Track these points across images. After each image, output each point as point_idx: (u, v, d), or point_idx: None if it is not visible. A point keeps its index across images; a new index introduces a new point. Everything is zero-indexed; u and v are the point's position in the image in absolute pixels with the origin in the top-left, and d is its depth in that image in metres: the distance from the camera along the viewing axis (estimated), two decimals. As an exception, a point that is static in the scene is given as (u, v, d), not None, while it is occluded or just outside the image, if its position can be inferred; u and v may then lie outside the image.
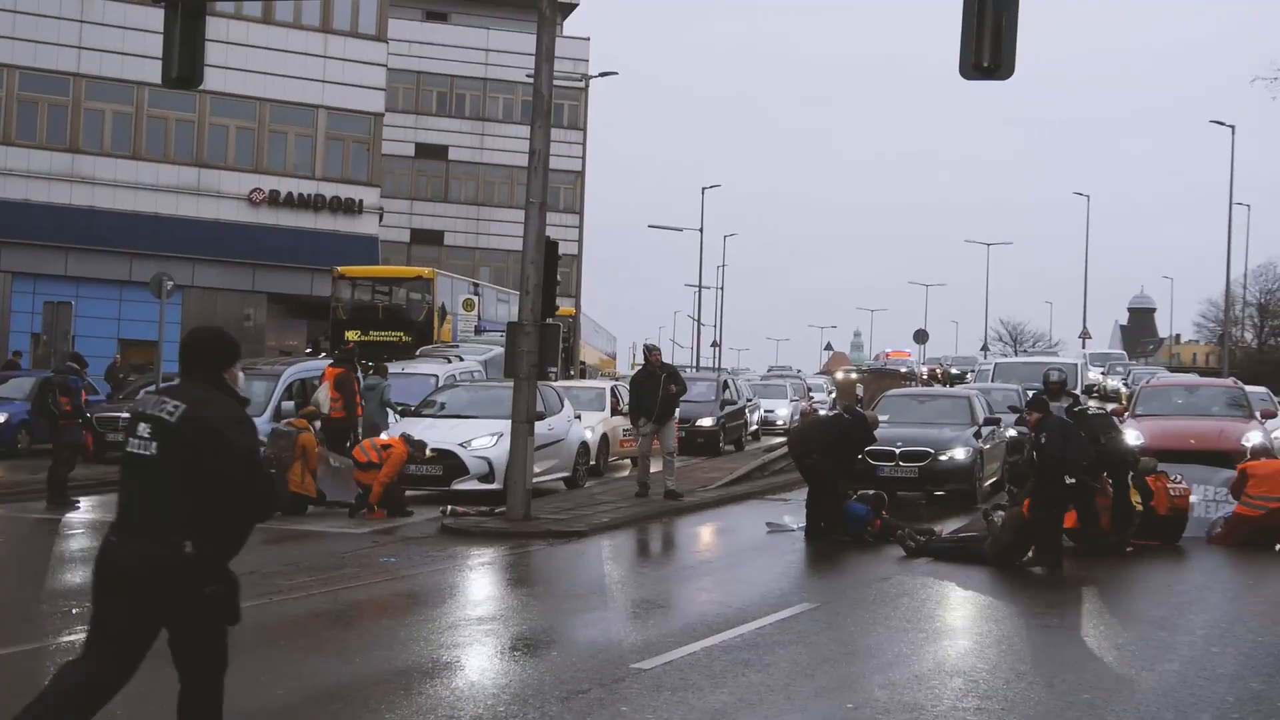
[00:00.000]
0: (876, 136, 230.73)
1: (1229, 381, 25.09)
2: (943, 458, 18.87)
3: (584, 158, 57.84)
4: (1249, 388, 29.86)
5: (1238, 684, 9.05)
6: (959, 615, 11.80)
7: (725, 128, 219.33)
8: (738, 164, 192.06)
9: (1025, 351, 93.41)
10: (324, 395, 19.64)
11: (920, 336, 63.93)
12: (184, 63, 15.50)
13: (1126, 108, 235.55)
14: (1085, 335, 79.31)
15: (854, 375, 50.28)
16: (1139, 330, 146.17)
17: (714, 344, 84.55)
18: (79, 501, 18.58)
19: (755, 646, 9.85)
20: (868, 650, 10.08)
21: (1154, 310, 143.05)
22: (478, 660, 9.57)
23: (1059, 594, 13.02)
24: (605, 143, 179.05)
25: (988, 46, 15.99)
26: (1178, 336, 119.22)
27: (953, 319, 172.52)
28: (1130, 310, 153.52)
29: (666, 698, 8.30)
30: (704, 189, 67.42)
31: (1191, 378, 34.31)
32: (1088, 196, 74.15)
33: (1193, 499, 15.91)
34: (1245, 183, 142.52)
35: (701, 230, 67.36)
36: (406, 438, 18.12)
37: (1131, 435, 18.13)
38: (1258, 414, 20.52)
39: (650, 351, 20.65)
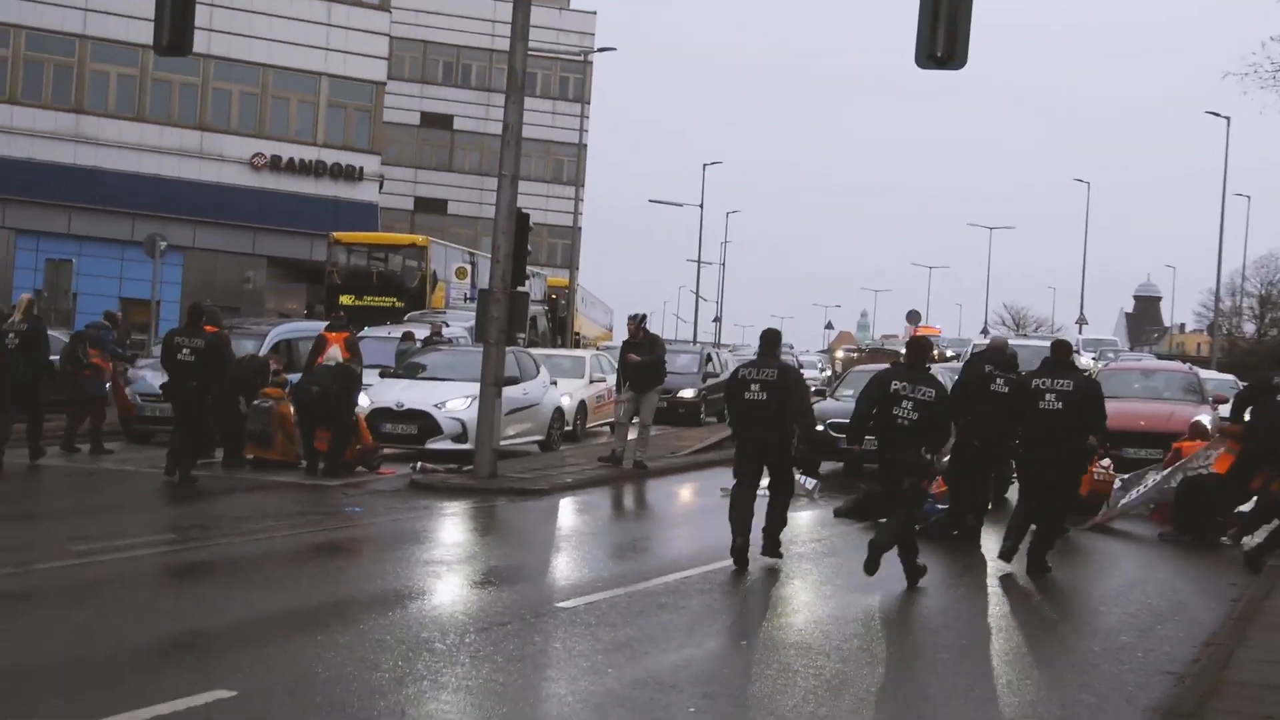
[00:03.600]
0: (885, 117, 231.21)
1: (1184, 367, 25.71)
2: None
3: (585, 131, 58.35)
4: (1213, 374, 30.61)
5: (1109, 637, 9.81)
6: (878, 574, 12.51)
7: (737, 103, 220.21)
8: (747, 140, 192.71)
9: (1023, 335, 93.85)
10: (337, 354, 20.05)
11: (912, 317, 64.61)
12: (174, 31, 16.15)
13: (1138, 95, 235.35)
14: (1081, 320, 79.93)
15: (854, 354, 50.88)
16: (1144, 318, 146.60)
17: (715, 319, 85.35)
18: (112, 449, 19.27)
19: (675, 592, 10.61)
20: (779, 600, 10.86)
21: (1159, 299, 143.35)
22: (415, 595, 10.34)
23: (973, 559, 13.68)
24: (613, 116, 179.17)
25: (942, 38, 16.69)
26: (1182, 325, 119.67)
27: (956, 302, 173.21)
28: (1136, 298, 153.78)
29: (578, 631, 9.08)
30: (705, 165, 68.15)
31: (1150, 363, 34.85)
32: (1088, 183, 74.73)
33: (1116, 484, 16.48)
34: (1251, 174, 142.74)
35: (702, 206, 68.09)
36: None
37: None
38: (1210, 400, 21.11)
39: (631, 320, 21.18)
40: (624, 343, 21.50)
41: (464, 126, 64.70)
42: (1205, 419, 18.99)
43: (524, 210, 18.49)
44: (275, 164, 41.33)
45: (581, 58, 57.37)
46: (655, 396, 20.64)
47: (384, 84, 44.19)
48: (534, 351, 24.77)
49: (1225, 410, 21.95)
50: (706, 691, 7.68)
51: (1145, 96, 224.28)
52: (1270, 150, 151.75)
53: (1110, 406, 19.60)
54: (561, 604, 9.95)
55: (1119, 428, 18.49)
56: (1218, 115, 55.45)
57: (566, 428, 23.39)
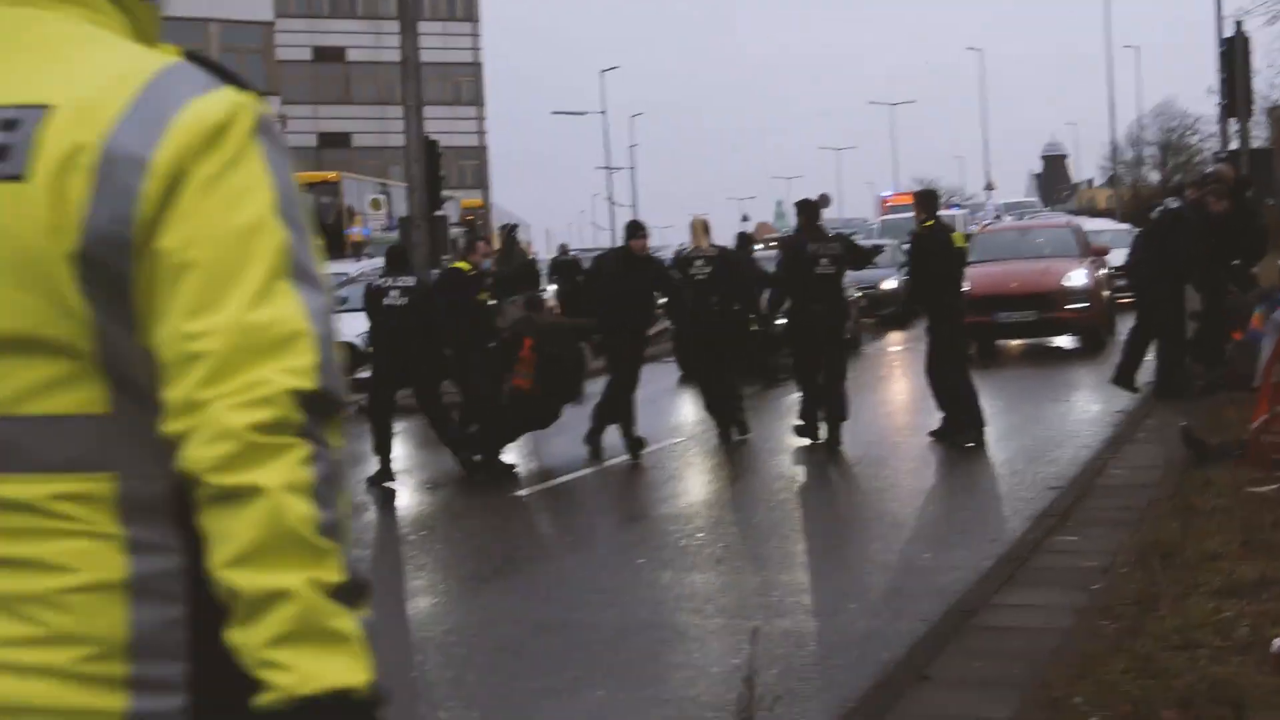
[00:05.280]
0: (775, 8, 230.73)
1: (1064, 221, 25.94)
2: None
3: (478, 49, 58.62)
4: (1101, 224, 31.36)
5: (1007, 465, 11.04)
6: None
7: (627, 12, 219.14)
8: (642, 48, 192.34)
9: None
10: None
11: (823, 200, 65.59)
12: None
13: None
14: (990, 186, 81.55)
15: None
16: (1053, 177, 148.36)
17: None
18: None
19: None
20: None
21: (1065, 157, 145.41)
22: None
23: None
24: (507, 31, 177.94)
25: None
26: (1090, 181, 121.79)
27: (866, 180, 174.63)
28: (1044, 159, 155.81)
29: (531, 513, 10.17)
30: (603, 71, 68.51)
31: (1028, 221, 34.21)
32: (981, 51, 76.00)
33: None
34: (1139, 24, 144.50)
35: (604, 113, 68.50)
36: None
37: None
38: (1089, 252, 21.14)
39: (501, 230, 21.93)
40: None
41: (358, 57, 64.56)
42: (1079, 273, 19.17)
43: (430, 137, 19.30)
44: (174, 116, 41.46)
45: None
46: (512, 307, 20.48)
47: (272, 23, 44.32)
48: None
49: (1114, 258, 22.98)
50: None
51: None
52: (1153, 1, 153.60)
53: (982, 270, 19.79)
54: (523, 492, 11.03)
55: (990, 292, 18.34)
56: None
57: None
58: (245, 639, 1.44)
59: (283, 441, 1.45)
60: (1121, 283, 18.80)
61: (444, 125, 61.98)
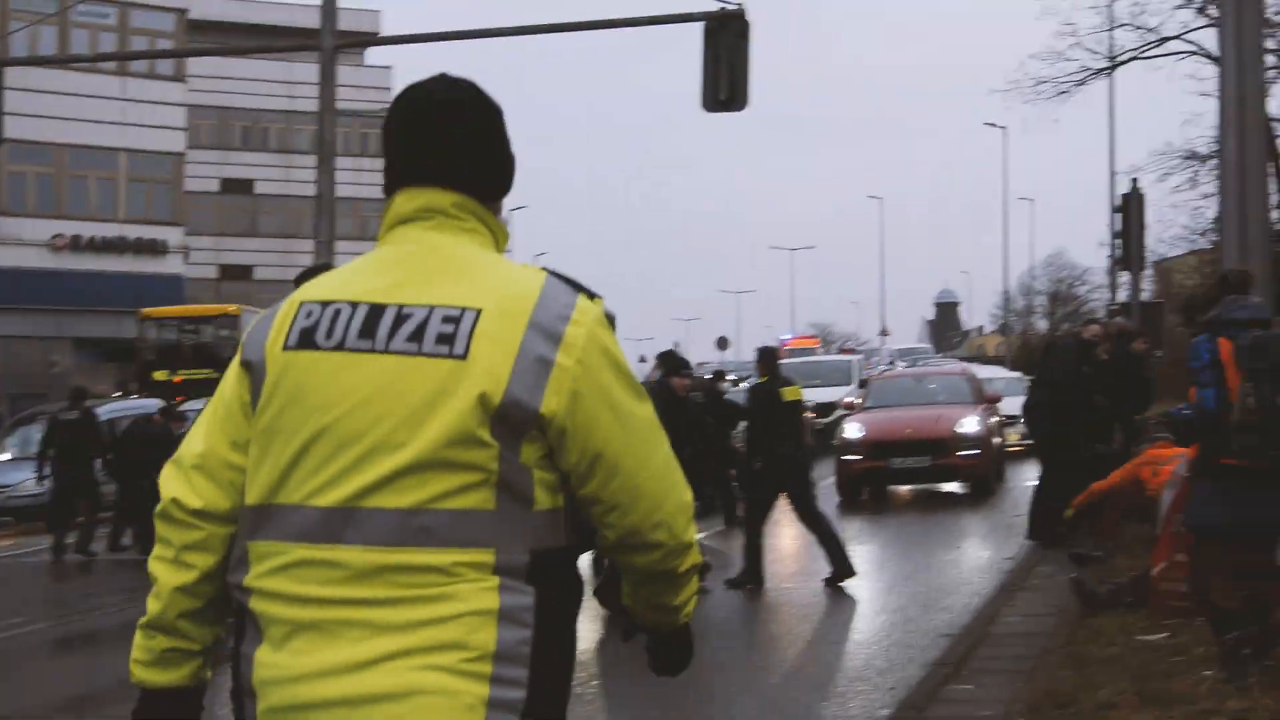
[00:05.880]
0: (682, 155, 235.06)
1: (959, 368, 26.55)
2: None
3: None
4: (993, 371, 32.15)
5: (899, 612, 11.13)
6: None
7: (547, 150, 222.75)
8: (546, 189, 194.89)
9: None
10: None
11: (722, 343, 66.51)
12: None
13: (915, 112, 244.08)
14: (884, 332, 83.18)
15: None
16: (945, 324, 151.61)
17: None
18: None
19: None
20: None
21: (958, 304, 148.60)
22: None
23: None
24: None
25: (724, 84, 18.21)
26: (980, 328, 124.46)
27: (765, 324, 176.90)
28: (936, 305, 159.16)
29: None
30: (513, 210, 69.18)
31: (924, 368, 35.07)
32: (881, 199, 78.15)
33: None
34: (1033, 179, 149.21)
35: (510, 252, 68.88)
36: None
37: (853, 428, 19.63)
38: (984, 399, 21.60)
39: None
40: None
41: (266, 190, 64.64)
42: (971, 420, 19.52)
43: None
44: (76, 243, 41.10)
45: (381, 115, 57.82)
46: None
47: (183, 155, 44.32)
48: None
49: (1008, 406, 23.50)
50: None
51: (929, 117, 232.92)
52: (1046, 155, 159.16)
53: (878, 415, 20.31)
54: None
55: (885, 437, 19.03)
56: (995, 125, 58.69)
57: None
58: (666, 615, 2.60)
59: (691, 543, 2.49)
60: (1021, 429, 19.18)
61: (350, 259, 61.80)
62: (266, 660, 2.32)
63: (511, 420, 2.27)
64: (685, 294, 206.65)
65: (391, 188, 2.51)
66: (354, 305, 2.36)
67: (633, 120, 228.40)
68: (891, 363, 54.32)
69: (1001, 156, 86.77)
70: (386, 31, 59.63)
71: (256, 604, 2.35)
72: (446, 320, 2.29)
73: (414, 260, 2.41)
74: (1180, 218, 67.18)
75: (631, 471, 2.35)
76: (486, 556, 2.27)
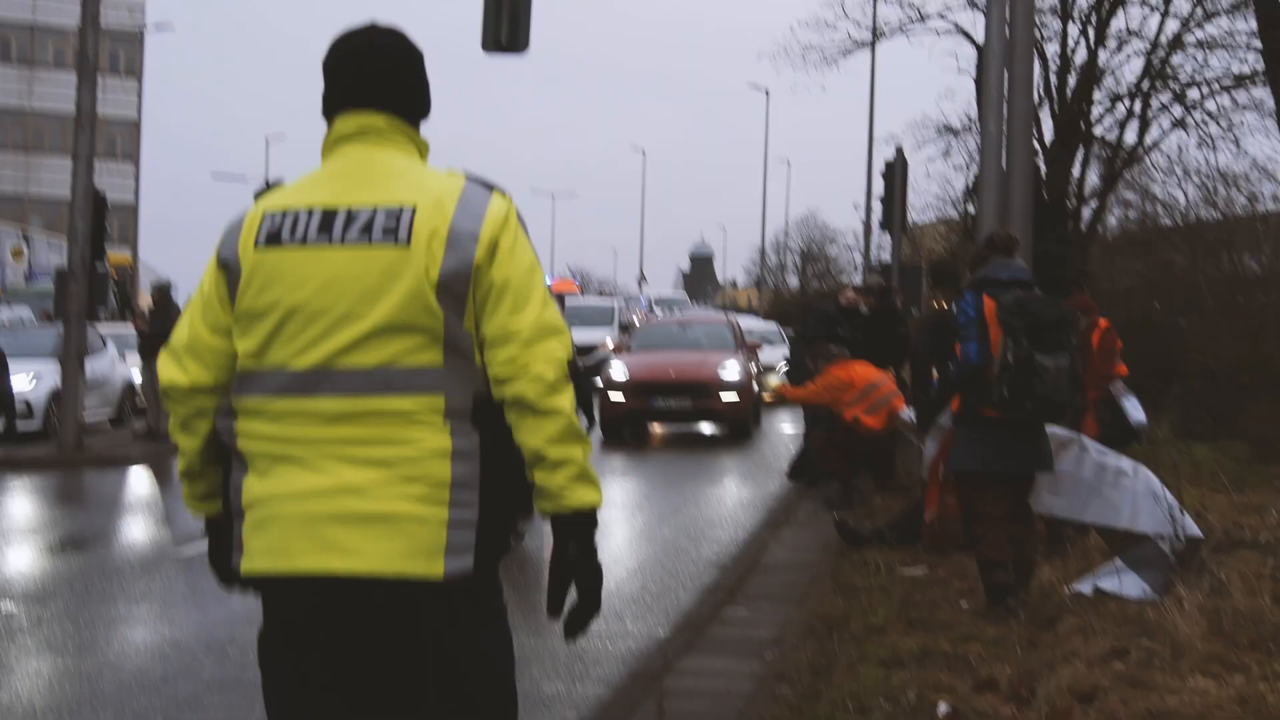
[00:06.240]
0: (451, 92, 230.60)
1: (721, 317, 27.28)
2: None
3: (140, 107, 56.71)
4: (752, 322, 33.04)
5: (669, 543, 11.42)
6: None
7: (305, 79, 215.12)
8: (313, 118, 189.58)
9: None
10: None
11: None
12: None
13: (684, 67, 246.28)
14: (642, 279, 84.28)
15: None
16: (700, 276, 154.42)
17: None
18: None
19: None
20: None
21: (712, 257, 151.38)
22: (25, 560, 10.77)
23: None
24: (174, 92, 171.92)
25: (505, 24, 18.05)
26: (734, 282, 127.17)
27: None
28: (691, 258, 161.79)
29: (196, 573, 9.84)
30: (267, 139, 67.31)
31: (690, 314, 36.59)
32: (644, 150, 78.85)
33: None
34: (791, 142, 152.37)
35: (267, 181, 67.05)
36: None
37: (618, 369, 19.93)
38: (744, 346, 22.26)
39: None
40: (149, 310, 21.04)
41: (5, 103, 61.40)
42: (734, 365, 20.11)
43: (101, 192, 18.62)
44: None
45: (137, 32, 55.56)
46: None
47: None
48: (100, 327, 24.52)
49: (768, 355, 24.18)
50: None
51: (698, 73, 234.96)
52: (806, 121, 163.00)
53: (643, 358, 20.88)
54: (177, 552, 10.68)
55: (648, 378, 19.60)
56: (758, 88, 59.83)
57: (137, 403, 23.24)
58: (548, 481, 2.92)
59: (565, 385, 2.90)
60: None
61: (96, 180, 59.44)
62: (253, 486, 2.97)
63: (453, 290, 2.91)
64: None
65: (329, 112, 3.09)
66: (309, 211, 2.96)
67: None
68: (650, 309, 55.10)
69: (764, 117, 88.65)
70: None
71: (244, 444, 2.99)
72: (389, 216, 2.92)
73: (356, 170, 3.01)
74: (933, 187, 69.66)
75: (516, 304, 2.93)
76: (438, 402, 2.92)
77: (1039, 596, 7.61)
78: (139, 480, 16.42)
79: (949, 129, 29.86)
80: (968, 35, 28.20)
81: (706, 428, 21.15)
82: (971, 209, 26.61)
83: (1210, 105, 26.35)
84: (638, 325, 29.90)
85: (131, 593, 9.24)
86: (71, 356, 17.76)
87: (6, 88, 61.16)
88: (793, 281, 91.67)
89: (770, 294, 70.90)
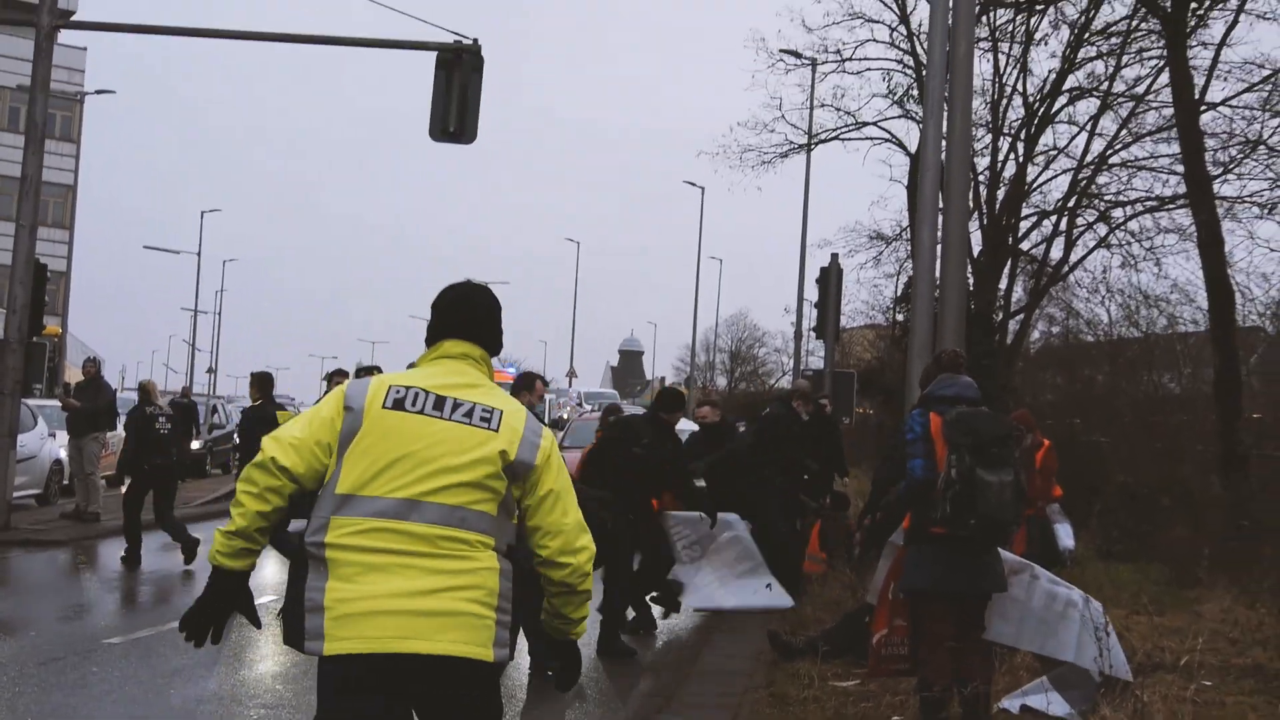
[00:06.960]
0: (396, 179, 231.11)
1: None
2: None
3: (76, 172, 56.43)
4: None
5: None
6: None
7: (242, 153, 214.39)
8: (249, 189, 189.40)
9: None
10: None
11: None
12: None
13: (620, 163, 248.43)
14: (572, 374, 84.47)
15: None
16: (628, 371, 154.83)
17: (209, 370, 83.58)
18: None
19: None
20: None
21: (642, 353, 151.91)
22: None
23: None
24: (109, 158, 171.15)
25: (454, 114, 18.36)
26: (662, 379, 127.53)
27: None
28: (621, 352, 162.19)
29: (133, 661, 9.84)
30: (203, 213, 66.96)
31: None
32: (578, 243, 79.44)
33: None
34: (725, 240, 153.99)
35: (199, 255, 66.72)
36: None
37: None
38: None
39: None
40: (77, 385, 20.73)
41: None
42: None
43: (40, 260, 18.56)
44: None
45: (76, 97, 55.43)
46: (94, 444, 19.97)
47: None
48: (30, 402, 24.32)
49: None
50: (265, 703, 8.71)
51: (635, 170, 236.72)
52: (740, 221, 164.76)
53: (577, 455, 20.81)
54: (108, 640, 10.63)
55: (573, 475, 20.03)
56: (694, 185, 60.61)
57: (64, 481, 23.03)
58: (567, 626, 4.26)
59: (589, 574, 4.16)
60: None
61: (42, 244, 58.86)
62: (339, 588, 3.84)
63: (516, 471, 4.08)
64: (376, 315, 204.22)
65: (437, 336, 4.27)
66: (427, 392, 4.07)
67: (349, 135, 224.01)
68: (579, 404, 55.32)
69: (699, 215, 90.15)
70: (85, 15, 56.92)
71: (332, 554, 3.89)
72: (485, 410, 4.10)
73: (459, 377, 4.18)
74: (862, 293, 70.47)
75: (565, 509, 4.13)
76: (490, 540, 4.03)
77: (966, 713, 7.78)
78: (66, 563, 16.25)
79: (880, 236, 30.56)
80: (900, 144, 28.97)
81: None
82: (901, 316, 27.18)
83: (1134, 225, 27.16)
84: (568, 420, 29.99)
85: (66, 681, 9.20)
86: (3, 434, 17.59)
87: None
88: (720, 381, 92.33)
89: (698, 393, 71.14)
